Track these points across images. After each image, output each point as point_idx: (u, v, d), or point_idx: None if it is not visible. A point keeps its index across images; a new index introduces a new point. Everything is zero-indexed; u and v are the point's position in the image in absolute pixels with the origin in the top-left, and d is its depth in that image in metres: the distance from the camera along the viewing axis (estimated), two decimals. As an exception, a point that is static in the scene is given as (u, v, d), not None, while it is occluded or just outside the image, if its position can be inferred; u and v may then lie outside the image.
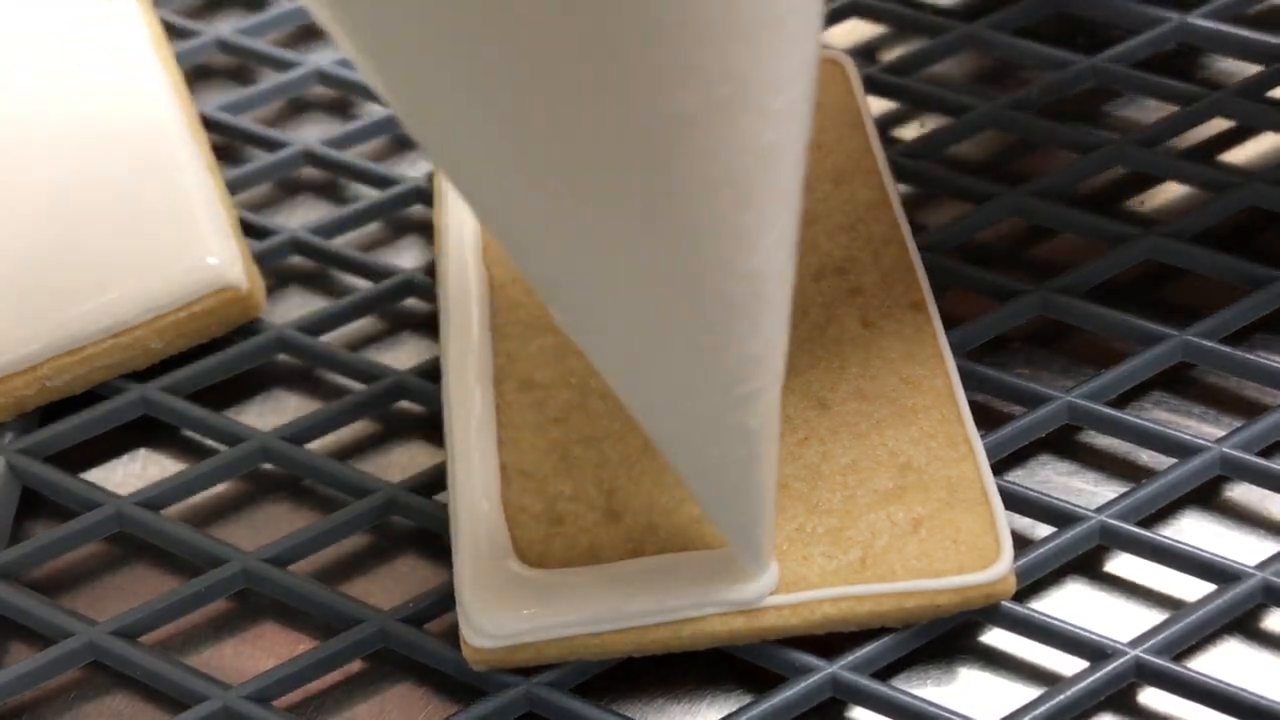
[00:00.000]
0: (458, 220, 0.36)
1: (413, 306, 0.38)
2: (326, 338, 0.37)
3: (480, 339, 0.34)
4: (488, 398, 0.33)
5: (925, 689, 0.31)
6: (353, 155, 0.40)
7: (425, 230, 0.39)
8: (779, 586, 0.30)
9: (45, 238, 0.36)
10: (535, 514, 0.32)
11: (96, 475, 0.36)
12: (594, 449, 0.32)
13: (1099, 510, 0.32)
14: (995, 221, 0.37)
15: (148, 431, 0.36)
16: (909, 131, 0.40)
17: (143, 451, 0.36)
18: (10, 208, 0.37)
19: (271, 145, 0.40)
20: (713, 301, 0.25)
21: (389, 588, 0.33)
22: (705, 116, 0.22)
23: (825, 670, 0.31)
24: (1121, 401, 0.35)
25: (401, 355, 0.37)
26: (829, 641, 0.31)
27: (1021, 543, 0.32)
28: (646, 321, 0.25)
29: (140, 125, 0.38)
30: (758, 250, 0.25)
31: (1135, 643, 0.31)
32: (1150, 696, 0.31)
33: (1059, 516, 0.32)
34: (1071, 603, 0.32)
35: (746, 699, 0.31)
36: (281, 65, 0.42)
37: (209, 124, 0.40)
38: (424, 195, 0.39)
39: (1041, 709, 0.30)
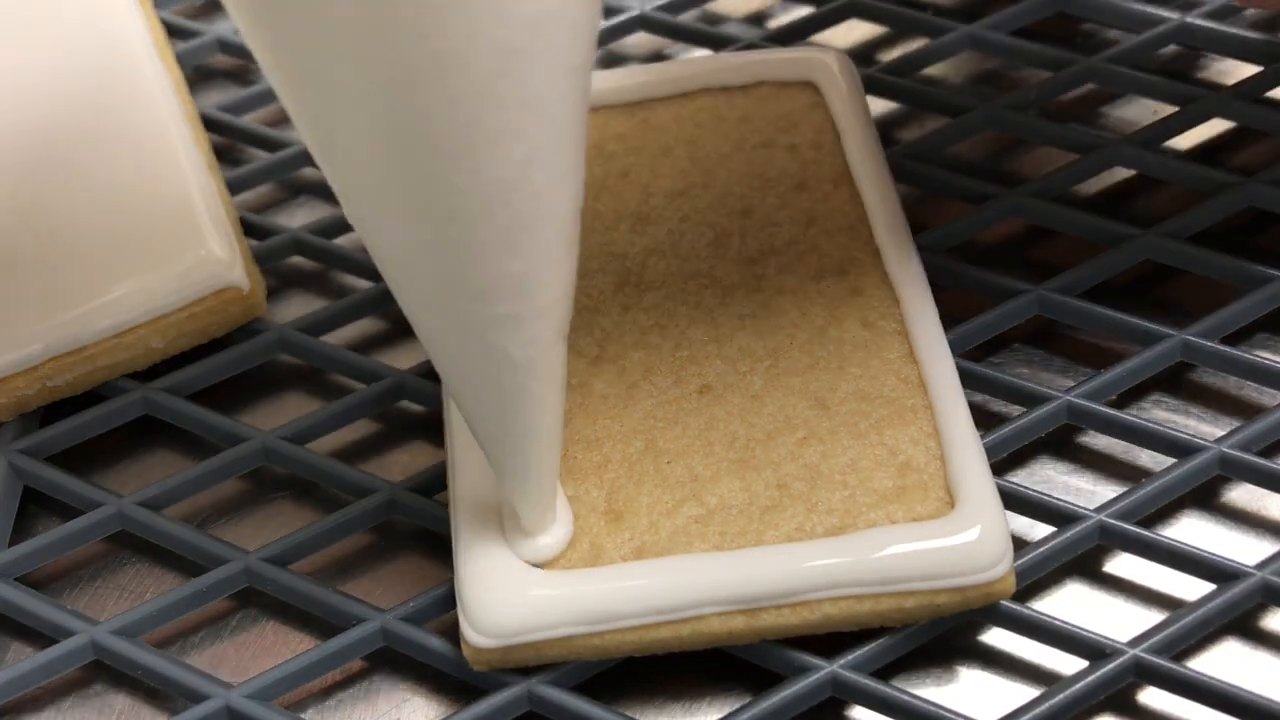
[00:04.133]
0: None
1: (413, 306, 0.38)
2: (327, 338, 0.37)
3: None
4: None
5: (925, 688, 0.31)
6: (353, 155, 0.40)
7: (425, 230, 0.39)
8: (776, 585, 0.30)
9: (46, 237, 0.36)
10: None
11: (98, 475, 0.36)
12: (595, 450, 0.32)
13: (1098, 510, 0.32)
14: (994, 222, 0.37)
15: (149, 431, 0.36)
16: (909, 132, 0.40)
17: (144, 451, 0.36)
18: (11, 207, 0.37)
19: (272, 145, 0.40)
20: (463, 203, 0.25)
21: (389, 587, 0.33)
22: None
23: (825, 670, 0.31)
24: (1121, 401, 0.35)
25: (401, 355, 0.37)
26: (829, 641, 0.31)
27: (1021, 542, 0.32)
28: (410, 220, 0.26)
29: (141, 125, 0.38)
30: (505, 160, 0.25)
31: (1134, 642, 0.31)
32: (1149, 696, 0.31)
33: (1058, 516, 0.32)
34: (1071, 602, 0.32)
35: (746, 698, 0.31)
36: (282, 65, 0.42)
37: (209, 124, 0.40)
38: (424, 195, 0.39)
39: (1041, 708, 0.30)
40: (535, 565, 0.31)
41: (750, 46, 0.41)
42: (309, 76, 0.25)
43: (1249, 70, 0.40)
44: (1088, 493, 0.34)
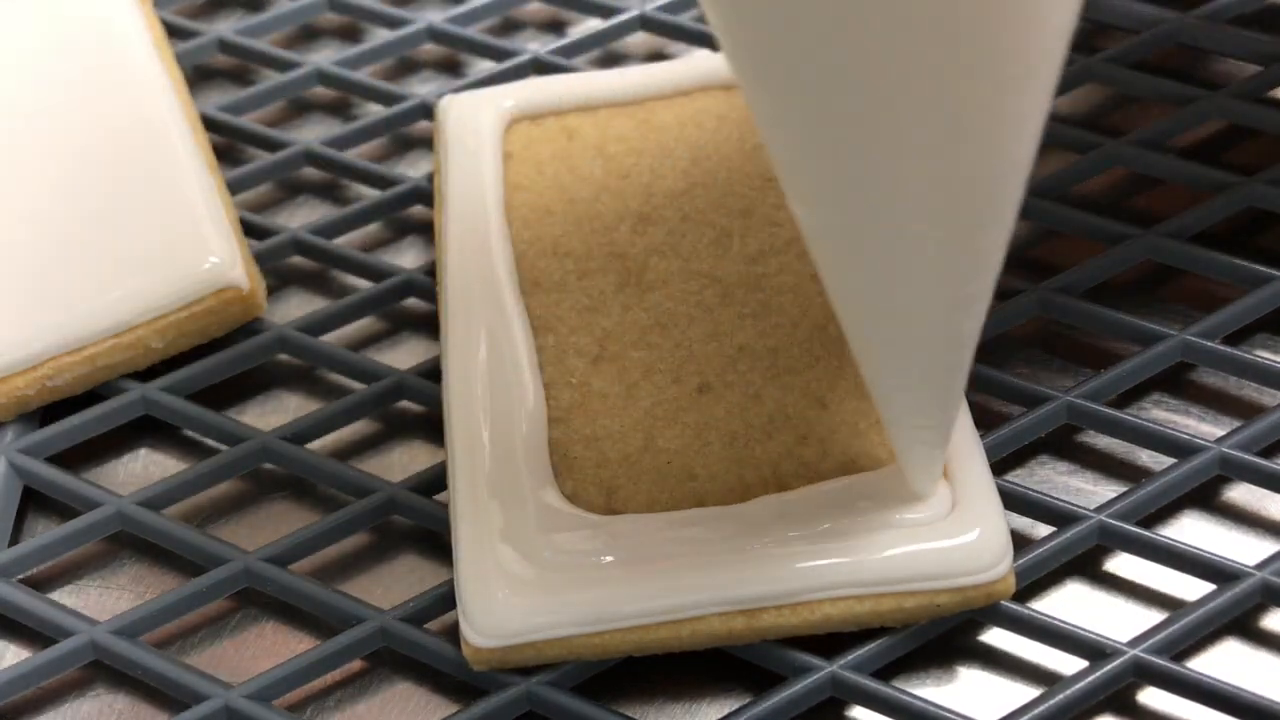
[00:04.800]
0: (459, 221, 0.36)
1: (413, 306, 0.38)
2: (327, 337, 0.37)
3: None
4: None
5: (925, 688, 0.31)
6: (353, 155, 0.40)
7: (425, 230, 0.39)
8: (777, 585, 0.30)
9: (46, 238, 0.36)
10: None
11: (97, 475, 0.36)
12: (593, 449, 0.32)
13: (1098, 510, 0.32)
14: (995, 222, 0.37)
15: (149, 431, 0.36)
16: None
17: (144, 451, 0.36)
18: (11, 208, 0.37)
19: (272, 145, 0.40)
20: (981, 187, 0.25)
21: (389, 587, 0.33)
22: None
23: (825, 670, 0.31)
24: (1121, 401, 0.35)
25: (401, 355, 0.37)
26: (829, 641, 0.31)
27: (1021, 542, 0.32)
28: (900, 207, 0.25)
29: (141, 125, 0.38)
30: (1019, 140, 0.25)
31: (1134, 642, 0.31)
32: (1149, 696, 0.31)
33: (1058, 516, 0.32)
34: (1071, 602, 0.32)
35: (746, 698, 0.31)
36: (282, 65, 0.42)
37: (209, 124, 0.40)
38: (424, 195, 0.39)
39: (1041, 708, 0.30)
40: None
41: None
42: (862, 71, 0.24)
43: (1249, 70, 0.40)
44: (1088, 493, 0.34)
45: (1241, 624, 0.32)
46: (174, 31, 0.43)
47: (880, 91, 0.24)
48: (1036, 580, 0.32)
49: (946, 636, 0.32)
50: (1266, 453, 0.33)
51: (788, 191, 0.26)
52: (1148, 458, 0.34)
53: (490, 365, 0.34)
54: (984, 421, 0.34)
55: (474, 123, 0.38)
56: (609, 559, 0.31)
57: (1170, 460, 0.33)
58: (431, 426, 0.35)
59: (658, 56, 0.43)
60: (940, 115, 0.24)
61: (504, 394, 0.33)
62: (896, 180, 0.25)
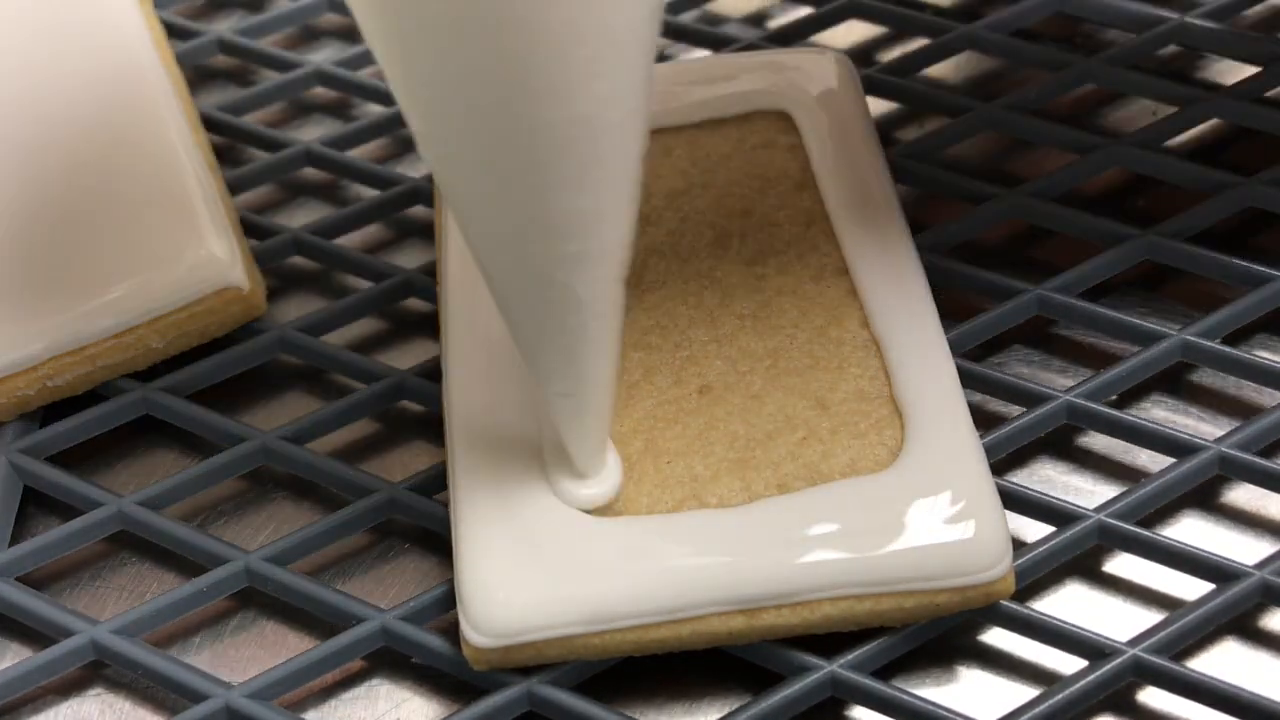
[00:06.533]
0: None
1: (413, 306, 0.38)
2: (327, 338, 0.37)
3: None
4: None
5: (924, 688, 0.31)
6: (353, 155, 0.40)
7: (425, 230, 0.39)
8: (777, 584, 0.30)
9: (46, 237, 0.36)
10: None
11: (97, 475, 0.36)
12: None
13: (1098, 510, 0.32)
14: (994, 222, 0.37)
15: (149, 431, 0.36)
16: (909, 132, 0.40)
17: (144, 451, 0.36)
18: (11, 207, 0.37)
19: (272, 145, 0.40)
20: (544, 138, 0.26)
21: (389, 587, 0.33)
22: None
23: (825, 669, 0.31)
24: (1120, 401, 0.35)
25: (401, 355, 0.37)
26: (829, 641, 0.31)
27: (1021, 543, 0.32)
28: (489, 155, 0.27)
29: (141, 125, 0.38)
30: (584, 95, 0.26)
31: (1134, 642, 0.31)
32: (1149, 696, 0.31)
33: (1058, 516, 0.32)
34: (1070, 602, 0.32)
35: (746, 698, 0.31)
36: (282, 65, 0.42)
37: (209, 124, 0.40)
38: (424, 195, 0.39)
39: (1040, 708, 0.30)
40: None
41: (750, 47, 0.41)
42: (394, 11, 0.25)
43: (1249, 70, 0.40)
44: (1088, 493, 0.34)
45: (1241, 624, 0.32)
46: (174, 31, 0.43)
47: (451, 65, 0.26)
48: (1036, 580, 0.32)
49: (946, 636, 0.32)
50: (1266, 453, 0.33)
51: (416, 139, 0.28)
52: (1148, 458, 0.34)
53: (491, 365, 0.34)
54: (984, 421, 0.34)
55: None
56: (610, 559, 0.31)
57: (1170, 460, 0.33)
58: (431, 426, 0.35)
59: (658, 57, 0.43)
60: (496, 72, 0.26)
61: (505, 394, 0.33)
62: (476, 134, 0.26)
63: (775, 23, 0.43)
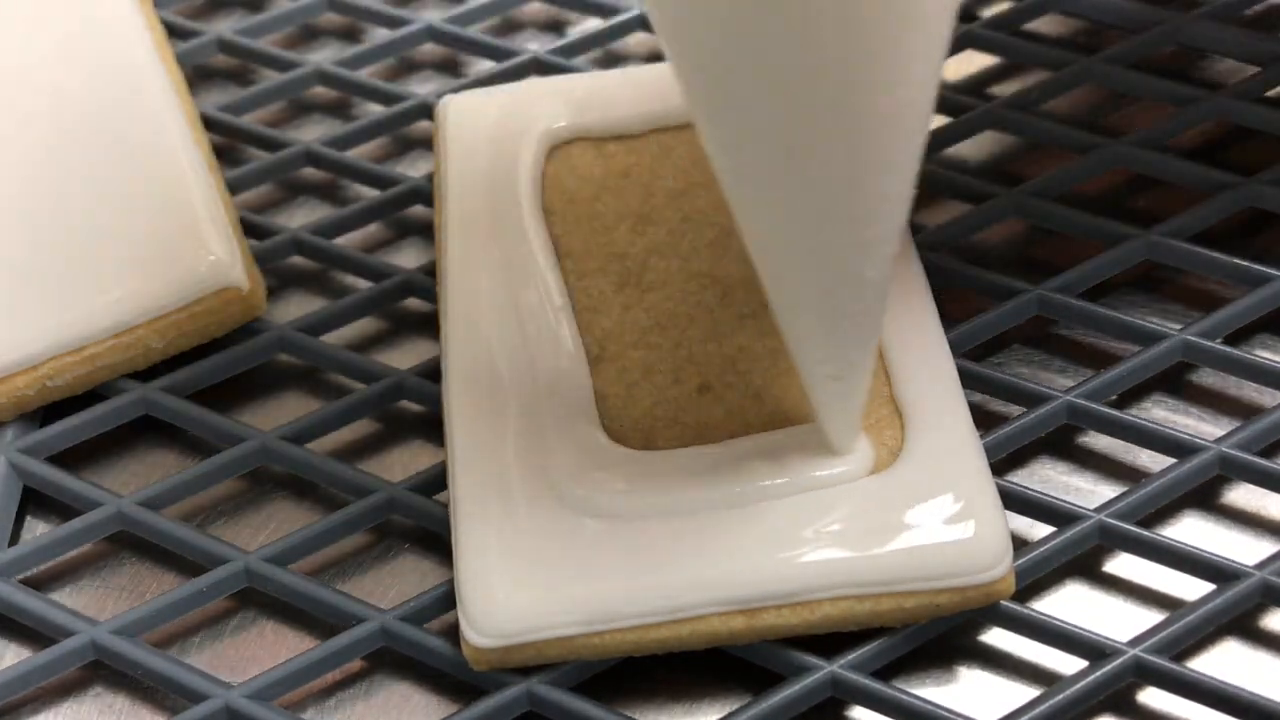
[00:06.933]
0: (459, 220, 0.36)
1: (413, 306, 0.38)
2: (327, 338, 0.37)
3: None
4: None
5: (925, 688, 0.31)
6: (353, 155, 0.40)
7: (425, 230, 0.39)
8: (777, 584, 0.30)
9: (47, 238, 0.36)
10: None
11: (97, 475, 0.36)
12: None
13: (1098, 510, 0.32)
14: (994, 222, 0.37)
15: (148, 431, 0.36)
16: (909, 132, 0.40)
17: (143, 451, 0.36)
18: (11, 208, 0.37)
19: (272, 145, 0.40)
20: (869, 125, 0.26)
21: (389, 587, 0.33)
22: None
23: (825, 669, 0.31)
24: (1121, 401, 0.35)
25: (401, 355, 0.37)
26: (829, 641, 0.31)
27: (1021, 542, 0.32)
28: (793, 143, 0.26)
29: (141, 125, 0.38)
30: (907, 82, 0.26)
31: (1134, 642, 0.31)
32: (1149, 696, 0.31)
33: (1058, 516, 0.32)
34: (1071, 602, 0.32)
35: (746, 698, 0.31)
36: (282, 65, 0.42)
37: (209, 124, 0.40)
38: (424, 195, 0.39)
39: (1041, 708, 0.30)
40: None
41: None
42: (719, 20, 0.25)
43: (1249, 70, 0.40)
44: (1088, 493, 0.34)
45: (1241, 624, 0.32)
46: (174, 31, 0.43)
47: (781, 50, 0.25)
48: (1036, 580, 0.32)
49: (946, 636, 0.32)
50: (1266, 453, 0.33)
51: (703, 137, 0.27)
52: (1148, 458, 0.34)
53: (491, 365, 0.34)
54: (984, 421, 0.34)
55: (513, 124, 0.37)
56: (610, 559, 0.31)
57: (1170, 460, 0.33)
58: (431, 426, 0.35)
59: (658, 57, 0.43)
60: (835, 67, 0.25)
61: (504, 394, 0.33)
62: (799, 129, 0.26)
63: (775, 23, 0.43)
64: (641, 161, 0.37)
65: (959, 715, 0.30)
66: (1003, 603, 0.31)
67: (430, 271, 0.37)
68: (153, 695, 0.32)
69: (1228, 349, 0.34)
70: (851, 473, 0.31)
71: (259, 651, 0.33)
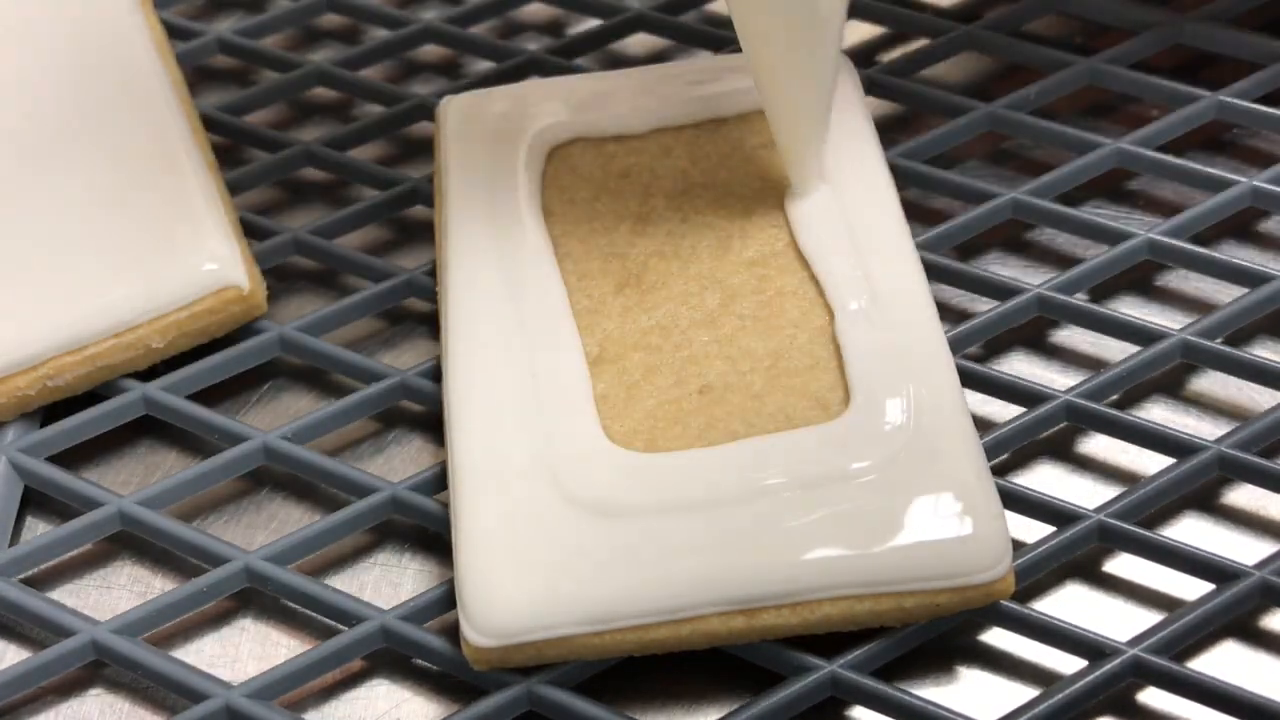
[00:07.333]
0: (459, 220, 0.36)
1: (414, 306, 0.38)
2: (327, 338, 0.37)
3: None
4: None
5: (925, 688, 0.31)
6: (353, 155, 0.40)
7: (425, 230, 0.39)
8: (777, 584, 0.30)
9: (47, 237, 0.36)
10: None
11: (98, 474, 0.36)
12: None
13: (1098, 510, 0.32)
14: (994, 222, 0.37)
15: (149, 431, 0.36)
16: (909, 132, 0.40)
17: (144, 451, 0.36)
18: (11, 207, 0.37)
19: (273, 145, 0.40)
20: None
21: (389, 587, 0.33)
22: None
23: (825, 669, 0.31)
24: (1121, 402, 0.35)
25: (402, 355, 0.37)
26: (829, 641, 0.31)
27: (1021, 543, 0.32)
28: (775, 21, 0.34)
29: (141, 125, 0.38)
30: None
31: (1134, 642, 0.31)
32: (1149, 696, 0.31)
33: (1058, 516, 0.32)
34: (1070, 602, 0.32)
35: (746, 698, 0.31)
36: (282, 65, 0.42)
37: (209, 124, 0.40)
38: (424, 195, 0.39)
39: (1040, 708, 0.30)
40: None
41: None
42: None
43: (1249, 70, 0.40)
44: (1088, 493, 0.34)
45: (1241, 624, 0.32)
46: (174, 31, 0.43)
47: None
48: (1036, 580, 0.32)
49: (946, 636, 0.32)
50: (1266, 453, 0.33)
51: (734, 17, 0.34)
52: (1148, 458, 0.34)
53: (491, 365, 0.34)
54: (984, 422, 0.34)
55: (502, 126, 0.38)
56: (610, 559, 0.31)
57: (1170, 460, 0.33)
58: (431, 426, 0.35)
59: (658, 57, 0.43)
60: None
61: (505, 394, 0.33)
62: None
63: (775, 23, 0.43)
64: (641, 162, 0.37)
65: (959, 715, 0.30)
66: (1002, 603, 0.31)
67: (430, 271, 0.37)
68: (153, 695, 0.32)
69: (1228, 349, 0.34)
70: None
71: (259, 651, 0.33)
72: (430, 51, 0.43)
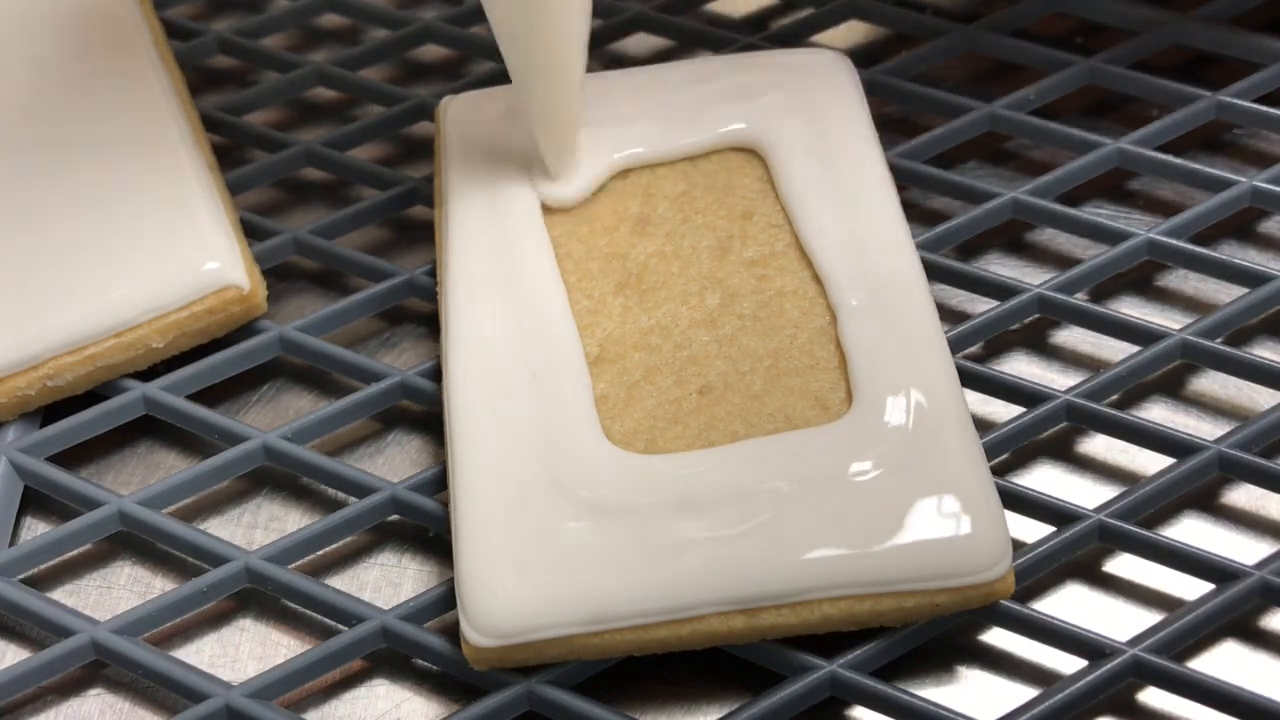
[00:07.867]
0: (459, 220, 0.36)
1: (414, 306, 0.38)
2: (328, 338, 0.37)
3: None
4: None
5: (924, 688, 0.31)
6: (353, 155, 0.40)
7: (426, 230, 0.39)
8: (777, 584, 0.30)
9: (47, 237, 0.36)
10: None
11: (98, 474, 0.36)
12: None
13: (1098, 510, 0.32)
14: (995, 222, 0.37)
15: (149, 431, 0.36)
16: (909, 132, 0.40)
17: (144, 451, 0.36)
18: (12, 207, 0.37)
19: (272, 145, 0.40)
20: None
21: (389, 587, 0.33)
22: None
23: (824, 669, 0.31)
24: (1121, 402, 0.35)
25: (402, 355, 0.37)
26: (829, 641, 0.31)
27: (1021, 543, 0.32)
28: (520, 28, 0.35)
29: (141, 125, 0.38)
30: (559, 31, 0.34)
31: (1134, 642, 0.31)
32: (1149, 695, 0.31)
33: (1058, 516, 0.32)
34: (1070, 602, 0.32)
35: (746, 698, 0.31)
36: (282, 65, 0.42)
37: (209, 124, 0.40)
38: (424, 195, 0.39)
39: (1040, 708, 0.30)
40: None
41: (750, 47, 0.41)
42: None
43: (1249, 70, 0.40)
44: (1088, 493, 0.34)
45: (1241, 624, 0.32)
46: (174, 31, 0.43)
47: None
48: (1036, 580, 0.32)
49: (946, 636, 0.32)
50: (1266, 453, 0.33)
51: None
52: (1148, 458, 0.34)
53: (491, 365, 0.34)
54: (984, 422, 0.34)
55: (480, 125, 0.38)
56: (609, 559, 0.31)
57: (1170, 460, 0.33)
58: (431, 426, 0.36)
59: (658, 57, 0.43)
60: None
61: (504, 394, 0.33)
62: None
63: (775, 23, 0.43)
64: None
65: (959, 715, 0.30)
66: (1002, 602, 0.31)
67: (430, 271, 0.37)
68: (153, 695, 0.32)
69: (1228, 349, 0.34)
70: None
71: (259, 651, 0.33)
72: (430, 51, 0.43)
